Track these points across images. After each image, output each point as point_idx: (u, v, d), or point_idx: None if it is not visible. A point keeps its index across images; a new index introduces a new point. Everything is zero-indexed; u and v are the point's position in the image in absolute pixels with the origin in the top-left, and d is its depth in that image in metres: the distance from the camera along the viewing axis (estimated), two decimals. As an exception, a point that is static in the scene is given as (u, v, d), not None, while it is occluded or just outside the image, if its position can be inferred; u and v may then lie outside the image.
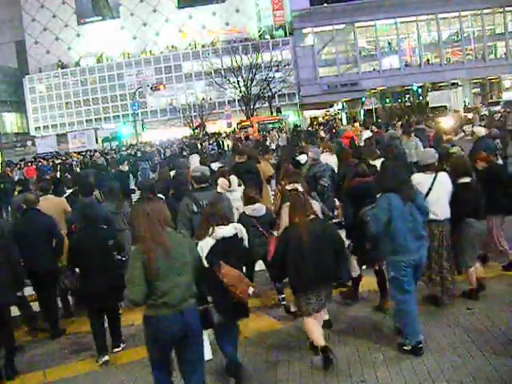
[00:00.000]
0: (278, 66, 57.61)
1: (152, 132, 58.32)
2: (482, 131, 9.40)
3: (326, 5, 61.18)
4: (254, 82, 53.33)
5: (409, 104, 53.81)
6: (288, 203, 5.12)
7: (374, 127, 16.32)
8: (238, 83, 53.53)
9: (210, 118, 59.44)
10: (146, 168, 19.75)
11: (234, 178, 7.60)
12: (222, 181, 7.47)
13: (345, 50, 64.95)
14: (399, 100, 60.19)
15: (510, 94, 57.58)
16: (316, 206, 5.53)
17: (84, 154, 36.47)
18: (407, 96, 61.33)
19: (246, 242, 4.72)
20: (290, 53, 65.06)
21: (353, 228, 5.44)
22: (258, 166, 9.11)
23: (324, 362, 4.61)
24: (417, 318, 4.83)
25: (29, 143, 63.60)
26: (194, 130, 56.08)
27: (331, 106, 63.48)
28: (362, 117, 51.00)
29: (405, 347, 4.78)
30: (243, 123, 43.09)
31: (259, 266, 6.44)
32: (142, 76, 67.15)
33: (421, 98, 56.01)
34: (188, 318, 3.68)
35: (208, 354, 4.72)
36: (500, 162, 8.35)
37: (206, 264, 4.37)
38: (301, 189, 5.59)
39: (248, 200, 6.16)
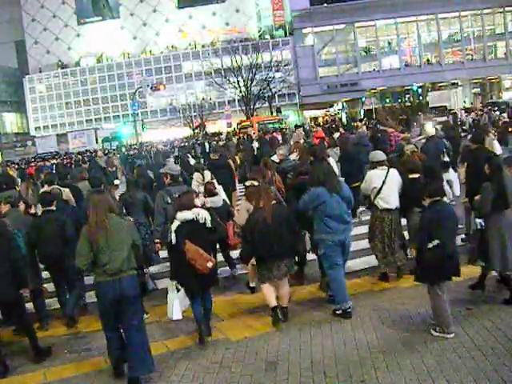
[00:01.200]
0: (278, 66, 57.58)
1: (152, 132, 58.32)
2: (432, 131, 10.19)
3: (325, 5, 61.19)
4: (254, 82, 53.29)
5: (409, 104, 53.81)
6: (244, 202, 6.66)
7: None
8: (238, 83, 53.51)
9: (209, 118, 59.43)
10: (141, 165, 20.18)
11: (207, 173, 8.90)
12: (196, 175, 8.99)
13: (345, 50, 64.96)
14: (399, 100, 60.21)
15: (509, 93, 57.66)
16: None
17: (84, 153, 36.45)
18: (407, 96, 61.35)
19: (208, 225, 5.60)
20: (290, 53, 65.08)
21: (298, 218, 6.12)
22: (230, 163, 10.57)
23: (273, 321, 5.74)
24: (345, 287, 5.89)
25: (29, 143, 63.68)
26: (193, 130, 56.08)
27: (331, 105, 63.52)
28: (363, 117, 50.96)
29: (336, 311, 5.84)
30: (243, 123, 43.06)
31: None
32: (142, 76, 67.12)
33: (421, 98, 55.97)
34: (125, 285, 4.70)
35: (177, 315, 5.67)
36: (447, 159, 9.34)
37: (174, 241, 5.48)
38: (256, 183, 6.58)
39: (208, 193, 7.50)
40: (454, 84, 54.27)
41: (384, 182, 6.59)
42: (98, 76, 72.39)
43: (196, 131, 55.09)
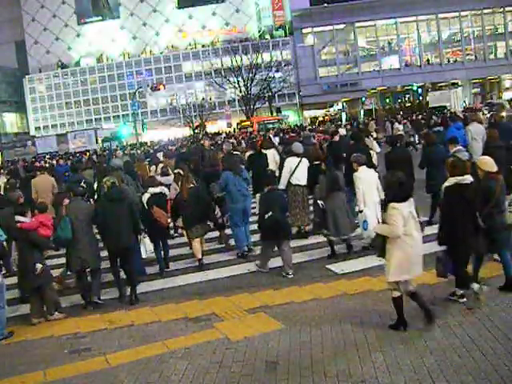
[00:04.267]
0: (278, 66, 57.60)
1: (152, 132, 58.29)
2: (343, 131, 13.11)
3: (325, 5, 61.18)
4: (254, 82, 53.33)
5: (409, 104, 53.84)
6: (173, 183, 9.47)
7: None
8: (238, 83, 53.53)
9: (210, 118, 59.43)
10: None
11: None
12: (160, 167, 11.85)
13: (345, 50, 64.95)
14: (399, 100, 60.24)
15: (510, 93, 57.64)
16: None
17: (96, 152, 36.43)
18: (407, 96, 61.38)
19: (167, 196, 8.98)
20: (290, 53, 65.07)
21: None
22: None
23: (199, 265, 8.41)
24: (244, 238, 8.85)
25: (29, 143, 63.50)
26: (193, 130, 56.05)
27: (331, 105, 63.53)
28: (363, 117, 50.98)
29: (239, 254, 8.84)
30: (243, 123, 43.09)
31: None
32: (142, 76, 67.10)
33: (421, 97, 55.99)
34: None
35: (144, 254, 8.20)
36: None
37: (146, 207, 8.39)
38: (182, 172, 9.05)
39: (162, 174, 10.68)
40: (454, 84, 54.30)
41: (297, 166, 9.42)
42: (98, 76, 72.36)
43: (196, 131, 55.05)
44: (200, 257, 8.41)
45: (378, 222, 7.05)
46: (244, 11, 70.64)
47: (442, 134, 12.17)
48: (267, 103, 54.70)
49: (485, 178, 5.99)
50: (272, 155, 11.09)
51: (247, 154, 12.01)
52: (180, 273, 8.42)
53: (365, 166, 8.22)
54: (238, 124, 45.53)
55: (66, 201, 7.76)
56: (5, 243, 7.02)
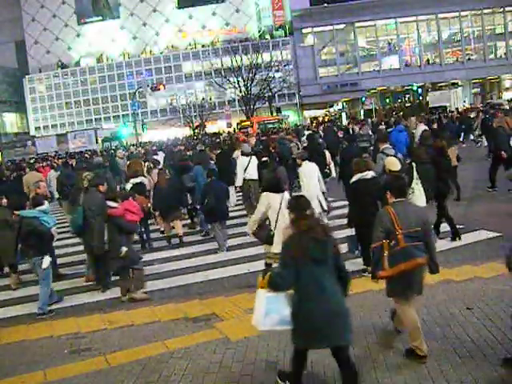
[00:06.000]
0: (277, 66, 57.56)
1: (152, 132, 58.31)
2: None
3: (325, 5, 61.18)
4: (254, 82, 53.29)
5: (409, 104, 53.83)
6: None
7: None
8: (238, 83, 53.50)
9: (209, 118, 59.43)
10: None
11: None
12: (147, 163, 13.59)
13: (345, 50, 64.95)
14: (399, 100, 60.22)
15: (510, 93, 57.64)
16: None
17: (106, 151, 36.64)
18: (407, 96, 61.35)
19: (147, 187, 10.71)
20: (290, 53, 65.06)
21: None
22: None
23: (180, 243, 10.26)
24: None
25: (29, 143, 63.53)
26: (194, 130, 56.05)
27: (331, 105, 63.52)
28: (363, 117, 50.97)
29: (203, 234, 10.96)
30: (243, 123, 43.07)
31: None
32: (142, 76, 67.12)
33: (421, 97, 55.98)
34: None
35: None
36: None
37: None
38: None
39: (134, 174, 11.16)
40: (454, 84, 54.29)
41: (248, 164, 11.15)
42: (98, 76, 72.36)
43: (196, 131, 55.06)
44: (181, 233, 10.34)
45: (323, 211, 8.67)
46: (244, 11, 70.65)
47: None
48: (267, 103, 54.68)
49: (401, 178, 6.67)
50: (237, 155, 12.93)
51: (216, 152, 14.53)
52: (180, 273, 8.43)
53: (307, 161, 9.20)
54: (238, 124, 45.51)
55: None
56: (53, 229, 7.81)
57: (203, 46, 70.02)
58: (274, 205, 6.39)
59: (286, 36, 67.47)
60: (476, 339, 4.87)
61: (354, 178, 7.15)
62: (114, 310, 6.94)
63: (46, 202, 7.73)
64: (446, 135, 11.02)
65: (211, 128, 57.36)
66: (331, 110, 63.83)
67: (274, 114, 52.25)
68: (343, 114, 57.13)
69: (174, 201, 10.25)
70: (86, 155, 32.00)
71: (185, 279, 8.05)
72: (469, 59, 62.82)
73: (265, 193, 6.59)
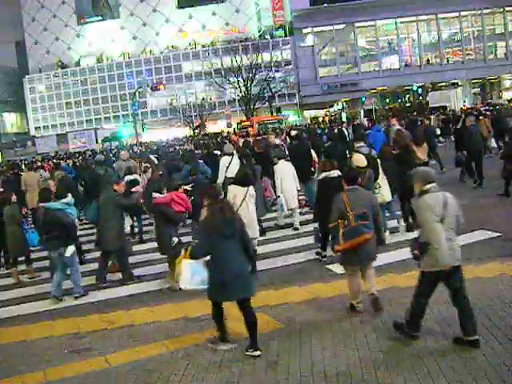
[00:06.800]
0: (277, 66, 57.53)
1: (152, 132, 58.32)
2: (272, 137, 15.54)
3: (325, 5, 61.20)
4: (254, 82, 53.28)
5: (409, 104, 53.80)
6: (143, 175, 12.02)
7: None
8: (238, 83, 53.49)
9: (210, 118, 59.43)
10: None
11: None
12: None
13: (345, 50, 64.95)
14: (399, 100, 60.19)
15: (510, 93, 57.62)
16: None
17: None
18: (407, 96, 61.32)
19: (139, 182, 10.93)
20: (290, 53, 65.06)
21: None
22: None
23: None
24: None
25: (29, 143, 63.64)
26: (194, 130, 56.06)
27: (331, 106, 63.49)
28: (363, 117, 50.95)
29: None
30: (243, 123, 43.03)
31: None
32: (142, 76, 67.13)
33: (421, 98, 55.95)
34: None
35: (127, 225, 9.42)
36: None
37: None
38: (149, 165, 12.19)
39: (129, 171, 11.75)
40: (454, 84, 54.27)
41: (230, 163, 11.20)
42: (98, 76, 72.39)
43: (196, 131, 55.08)
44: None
45: (300, 206, 10.32)
46: (244, 11, 70.65)
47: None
48: (267, 103, 54.66)
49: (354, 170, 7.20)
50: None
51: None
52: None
53: (283, 160, 10.13)
54: (238, 124, 45.49)
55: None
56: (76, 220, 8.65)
57: (203, 46, 70.02)
58: (239, 196, 7.70)
59: (285, 36, 67.47)
60: (476, 339, 4.86)
61: (320, 177, 7.93)
62: (114, 309, 6.94)
63: (70, 195, 8.24)
64: (418, 135, 11.61)
65: (212, 128, 57.36)
66: (331, 109, 63.82)
67: (274, 113, 52.22)
68: (343, 114, 57.08)
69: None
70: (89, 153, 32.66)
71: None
72: (469, 59, 62.81)
73: (232, 186, 7.97)
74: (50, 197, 7.93)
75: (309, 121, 57.17)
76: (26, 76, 75.21)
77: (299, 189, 10.17)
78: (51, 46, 75.33)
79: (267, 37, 67.44)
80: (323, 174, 7.81)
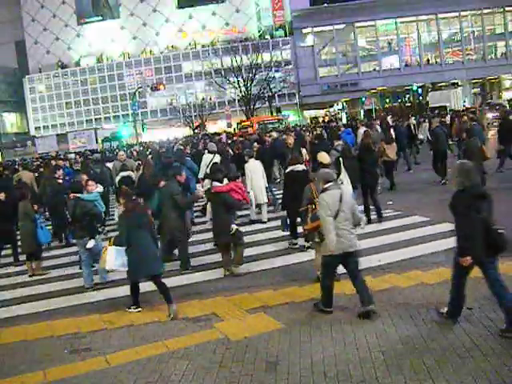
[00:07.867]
0: (278, 66, 57.52)
1: (152, 132, 58.29)
2: (275, 135, 16.76)
3: (325, 5, 61.19)
4: (254, 82, 53.29)
5: (409, 104, 53.77)
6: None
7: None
8: (238, 83, 53.50)
9: (210, 118, 59.40)
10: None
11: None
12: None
13: (345, 50, 64.96)
14: (399, 100, 60.17)
15: (510, 93, 57.60)
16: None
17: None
18: (407, 96, 61.31)
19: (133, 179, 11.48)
20: (290, 53, 65.05)
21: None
22: None
23: None
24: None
25: (29, 143, 63.54)
26: (194, 130, 56.04)
27: (331, 106, 63.49)
28: (363, 117, 50.97)
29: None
30: (243, 123, 43.05)
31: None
32: (142, 76, 67.10)
33: (421, 98, 55.94)
34: None
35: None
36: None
37: (118, 185, 10.87)
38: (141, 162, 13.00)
39: (124, 168, 12.21)
40: (454, 84, 54.28)
41: (211, 160, 11.48)
42: (98, 76, 72.38)
43: (196, 131, 55.06)
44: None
45: (270, 204, 11.54)
46: (244, 11, 70.63)
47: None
48: (267, 103, 54.66)
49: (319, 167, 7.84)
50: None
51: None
52: (180, 273, 8.42)
53: (253, 159, 11.00)
54: (238, 124, 45.50)
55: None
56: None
57: (203, 46, 70.01)
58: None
59: (285, 36, 67.45)
60: (476, 339, 4.87)
61: (287, 170, 8.88)
62: (114, 310, 6.94)
63: (100, 186, 9.04)
64: (388, 135, 13.97)
65: (212, 128, 57.35)
66: (331, 109, 63.82)
67: (274, 113, 52.22)
68: (343, 114, 57.09)
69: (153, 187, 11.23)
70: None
71: (185, 279, 8.04)
72: (469, 59, 62.81)
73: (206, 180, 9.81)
74: (81, 189, 8.46)
75: (309, 121, 57.17)
76: (26, 76, 75.20)
77: (267, 186, 11.34)
78: (51, 46, 75.33)
79: (267, 37, 67.42)
80: (290, 168, 8.75)
